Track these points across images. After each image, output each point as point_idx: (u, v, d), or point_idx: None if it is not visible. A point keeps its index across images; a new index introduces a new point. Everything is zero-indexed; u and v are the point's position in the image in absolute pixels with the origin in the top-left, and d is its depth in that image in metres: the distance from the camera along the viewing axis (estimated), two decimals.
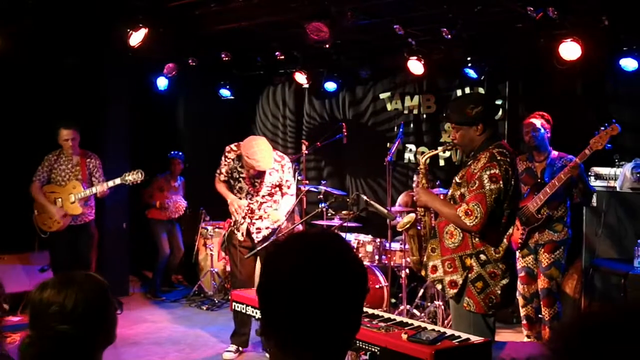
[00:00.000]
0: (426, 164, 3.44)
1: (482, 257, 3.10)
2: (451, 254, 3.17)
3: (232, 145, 4.84)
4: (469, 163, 3.18)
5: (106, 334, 1.80)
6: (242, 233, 4.83)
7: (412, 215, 3.44)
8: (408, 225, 3.41)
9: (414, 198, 3.42)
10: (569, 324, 0.98)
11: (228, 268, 6.54)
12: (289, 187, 4.86)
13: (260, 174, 4.73)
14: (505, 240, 3.11)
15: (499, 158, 3.05)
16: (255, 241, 4.82)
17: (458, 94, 6.37)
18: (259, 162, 4.53)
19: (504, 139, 5.88)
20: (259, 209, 4.82)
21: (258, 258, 4.89)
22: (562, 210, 4.71)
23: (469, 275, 3.10)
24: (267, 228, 4.86)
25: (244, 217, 4.80)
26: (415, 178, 5.16)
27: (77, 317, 1.69)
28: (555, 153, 4.78)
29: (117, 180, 5.48)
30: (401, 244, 5.57)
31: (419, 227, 3.45)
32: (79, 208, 5.55)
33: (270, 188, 4.81)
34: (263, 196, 4.80)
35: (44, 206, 5.52)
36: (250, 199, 4.80)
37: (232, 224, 4.93)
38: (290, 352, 1.23)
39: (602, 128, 4.39)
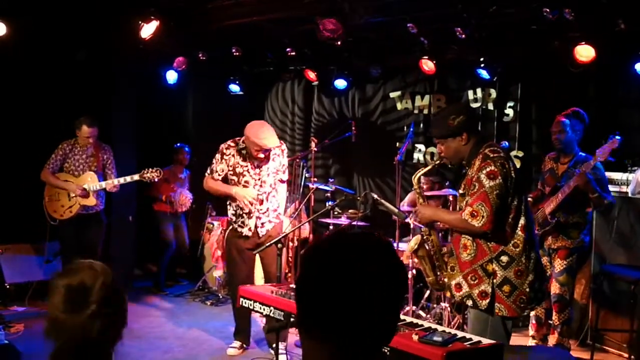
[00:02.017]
0: (419, 183, 3.43)
1: (504, 258, 3.06)
2: (471, 266, 3.12)
3: (229, 142, 4.78)
4: (466, 172, 3.17)
5: (119, 329, 1.78)
6: (250, 228, 4.76)
7: (418, 236, 3.42)
8: (416, 247, 3.38)
9: (418, 217, 3.39)
10: None
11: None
12: (284, 172, 4.82)
13: (263, 162, 4.68)
14: (520, 232, 3.06)
15: (492, 155, 3.05)
16: (260, 235, 4.76)
17: (469, 95, 6.33)
18: (266, 140, 4.52)
19: (516, 142, 5.97)
20: (267, 200, 4.77)
21: (258, 256, 4.85)
22: (579, 217, 4.60)
23: (494, 280, 3.06)
24: (269, 222, 4.81)
25: (250, 212, 4.73)
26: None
27: (103, 304, 1.70)
28: (582, 155, 4.65)
29: (135, 177, 5.57)
30: (408, 245, 5.53)
31: (427, 247, 3.41)
32: (94, 199, 5.61)
33: (274, 175, 4.77)
34: (270, 185, 4.76)
35: (60, 187, 5.57)
36: (258, 190, 4.72)
37: (233, 221, 4.83)
38: (325, 348, 1.24)
39: (610, 139, 4.36)
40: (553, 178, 4.71)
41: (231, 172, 4.74)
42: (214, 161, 4.80)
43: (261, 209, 4.75)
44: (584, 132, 4.70)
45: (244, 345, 4.92)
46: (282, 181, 4.87)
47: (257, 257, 4.92)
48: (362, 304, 1.22)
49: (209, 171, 4.82)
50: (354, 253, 1.25)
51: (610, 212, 4.99)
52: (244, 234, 4.77)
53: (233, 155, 4.72)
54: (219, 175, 4.76)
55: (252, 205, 4.64)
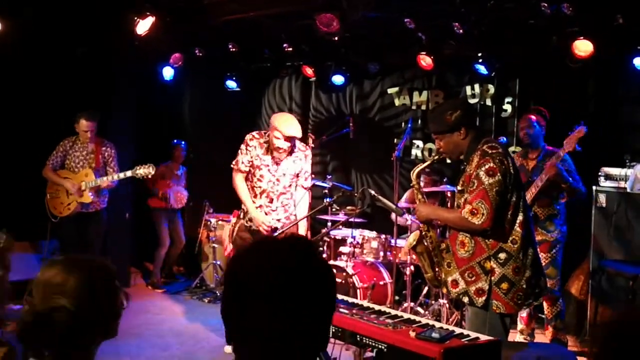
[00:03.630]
0: (418, 179, 3.43)
1: (502, 255, 3.04)
2: (468, 263, 3.10)
3: (254, 133, 4.73)
4: (465, 168, 3.15)
5: (106, 325, 1.74)
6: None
7: (417, 232, 3.41)
8: (414, 244, 3.37)
9: (416, 215, 3.38)
10: (614, 324, 0.94)
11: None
12: (305, 179, 4.78)
13: (283, 157, 4.63)
14: (518, 228, 3.05)
15: (490, 152, 3.04)
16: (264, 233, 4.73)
17: (467, 91, 6.31)
18: (288, 128, 4.49)
19: (514, 137, 5.95)
20: (277, 199, 4.71)
21: None
22: (552, 209, 4.70)
23: (492, 278, 3.04)
24: (278, 220, 4.76)
25: (259, 207, 4.69)
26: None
27: (78, 298, 1.64)
28: (549, 149, 4.81)
29: (128, 173, 5.50)
30: (406, 241, 5.52)
31: (426, 243, 3.39)
32: (89, 197, 5.57)
33: (292, 177, 4.72)
34: (284, 187, 4.71)
35: (58, 184, 5.56)
36: (271, 187, 4.68)
37: (241, 216, 4.80)
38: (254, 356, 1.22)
39: (576, 128, 4.46)
40: (524, 174, 4.75)
41: (251, 164, 4.68)
42: (239, 152, 4.72)
43: (270, 206, 4.71)
44: (549, 128, 4.85)
45: None
46: (303, 187, 4.81)
47: None
48: (289, 309, 1.19)
49: (234, 162, 4.73)
50: (275, 259, 1.22)
51: (608, 207, 4.99)
52: (252, 227, 4.72)
53: (255, 147, 4.65)
54: (246, 166, 4.67)
55: (265, 230, 4.60)
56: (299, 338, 1.21)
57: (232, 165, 4.74)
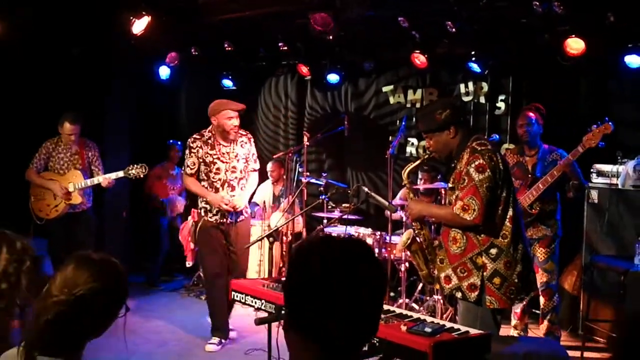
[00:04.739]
0: (409, 178, 3.49)
1: (493, 250, 3.09)
2: (460, 259, 3.15)
3: (194, 135, 4.87)
4: (455, 165, 3.20)
5: (96, 327, 1.77)
6: (222, 214, 4.81)
7: (410, 230, 3.45)
8: (408, 242, 3.41)
9: (407, 213, 3.43)
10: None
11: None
12: (255, 161, 4.98)
13: (232, 148, 4.79)
14: (508, 223, 3.09)
15: (479, 149, 3.09)
16: (229, 221, 4.82)
17: (461, 89, 6.35)
18: (234, 104, 4.71)
19: (507, 135, 6.00)
20: (238, 185, 4.86)
21: (250, 249, 4.92)
22: (553, 205, 4.76)
23: (484, 273, 3.09)
24: (242, 212, 4.88)
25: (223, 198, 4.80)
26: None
27: (80, 297, 1.70)
28: (545, 146, 4.83)
29: (120, 173, 5.48)
30: (400, 239, 5.55)
31: (419, 241, 3.43)
32: (79, 197, 5.55)
33: (245, 161, 4.88)
34: (241, 171, 4.86)
35: (44, 187, 5.51)
36: (229, 176, 4.82)
37: (207, 209, 4.85)
38: (310, 348, 1.29)
39: (595, 126, 4.41)
40: (522, 171, 4.78)
41: (202, 163, 4.80)
42: (185, 157, 4.89)
43: (233, 195, 4.81)
44: (549, 126, 4.84)
45: (222, 341, 4.95)
46: (255, 170, 5.00)
47: (250, 250, 4.96)
48: (345, 307, 1.27)
49: (183, 167, 4.90)
50: (341, 258, 1.31)
51: (600, 203, 5.04)
52: (217, 222, 4.81)
53: (200, 147, 4.80)
54: (191, 169, 4.82)
55: (227, 205, 4.71)
56: (352, 332, 1.30)
57: (182, 171, 4.93)
